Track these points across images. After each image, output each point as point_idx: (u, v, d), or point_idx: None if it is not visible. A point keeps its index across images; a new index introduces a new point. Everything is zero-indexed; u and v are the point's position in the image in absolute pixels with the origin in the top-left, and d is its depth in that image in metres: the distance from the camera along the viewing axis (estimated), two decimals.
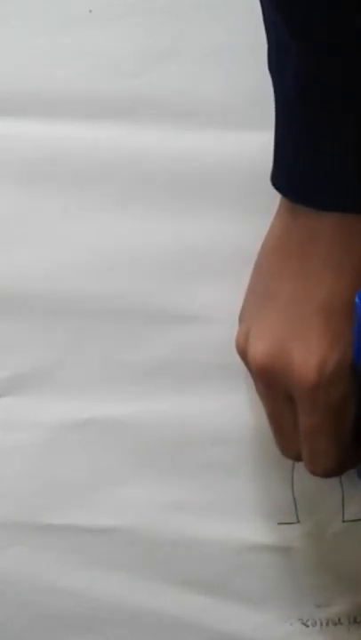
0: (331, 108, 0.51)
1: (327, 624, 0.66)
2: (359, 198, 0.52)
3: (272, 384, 0.57)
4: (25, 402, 0.65)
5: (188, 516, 0.65)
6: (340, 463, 0.58)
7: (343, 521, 0.65)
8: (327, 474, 0.58)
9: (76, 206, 0.63)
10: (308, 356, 0.54)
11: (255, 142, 0.58)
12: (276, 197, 0.55)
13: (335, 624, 0.66)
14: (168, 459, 0.64)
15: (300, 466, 0.63)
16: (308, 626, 0.66)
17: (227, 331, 0.63)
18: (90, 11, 0.61)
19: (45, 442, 0.65)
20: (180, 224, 0.62)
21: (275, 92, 0.54)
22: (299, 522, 0.65)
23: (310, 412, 0.55)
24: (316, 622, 0.66)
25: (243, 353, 0.58)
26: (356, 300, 0.50)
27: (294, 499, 0.65)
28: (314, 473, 0.58)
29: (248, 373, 0.59)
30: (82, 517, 0.65)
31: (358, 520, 0.65)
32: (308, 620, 0.66)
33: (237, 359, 0.60)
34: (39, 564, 0.66)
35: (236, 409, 0.64)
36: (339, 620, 0.66)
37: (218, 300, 0.63)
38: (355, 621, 0.66)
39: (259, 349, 0.56)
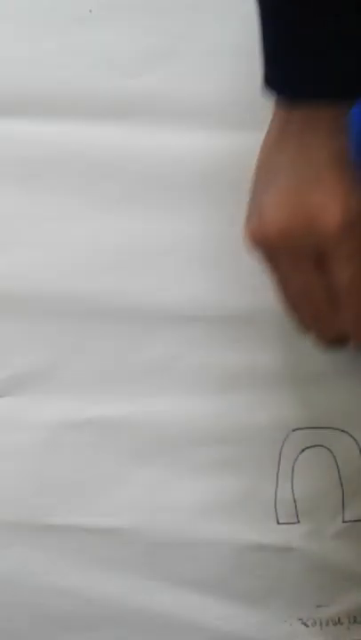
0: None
1: (327, 624, 0.66)
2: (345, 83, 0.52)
3: (298, 250, 0.55)
4: (25, 402, 0.65)
5: (188, 516, 0.65)
6: None
7: (343, 521, 0.65)
8: None
9: (76, 206, 0.63)
10: (329, 205, 0.53)
11: (254, 142, 0.58)
12: None
13: (335, 624, 0.66)
14: (168, 459, 0.64)
15: (300, 466, 0.63)
16: (308, 626, 0.66)
17: (227, 331, 0.63)
18: (90, 11, 0.61)
19: (45, 442, 0.65)
20: (180, 224, 0.62)
21: None
22: (299, 522, 0.65)
23: (346, 263, 0.54)
24: (316, 622, 0.66)
25: (258, 235, 0.57)
26: (353, 111, 0.50)
27: (294, 499, 0.65)
28: None
29: (249, 371, 0.59)
30: (82, 517, 0.65)
31: (358, 520, 0.65)
32: (308, 620, 0.66)
33: (237, 359, 0.60)
34: (39, 564, 0.66)
35: (236, 409, 0.64)
36: (339, 619, 0.66)
37: (218, 299, 0.63)
38: (355, 621, 0.66)
39: (277, 217, 0.55)
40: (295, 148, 0.54)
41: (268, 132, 0.56)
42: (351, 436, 0.64)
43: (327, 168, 0.54)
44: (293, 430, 0.64)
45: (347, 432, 0.64)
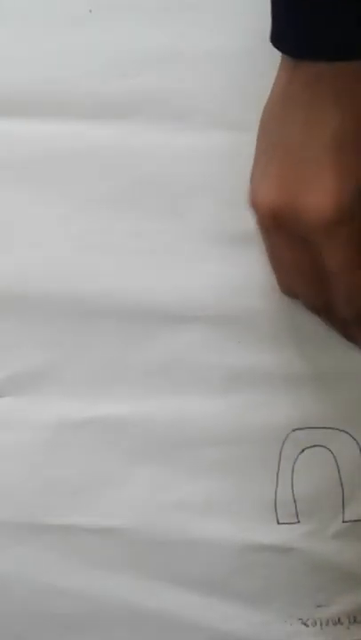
0: None
1: (327, 624, 0.66)
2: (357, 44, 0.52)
3: (286, 230, 0.55)
4: (25, 402, 0.65)
5: (188, 515, 0.65)
6: None
7: (343, 521, 0.65)
8: None
9: (76, 206, 0.63)
10: (323, 195, 0.53)
11: (254, 143, 0.58)
12: None
13: (335, 624, 0.66)
14: (168, 459, 0.64)
15: (300, 466, 0.63)
16: (308, 626, 0.66)
17: (227, 331, 0.63)
18: (90, 11, 0.61)
19: (45, 442, 0.65)
20: (180, 223, 0.62)
21: None
22: (299, 522, 0.65)
23: (336, 250, 0.54)
24: (316, 622, 0.66)
25: (253, 204, 0.57)
26: None
27: (294, 499, 0.65)
28: (353, 314, 0.57)
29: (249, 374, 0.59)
30: (82, 517, 0.65)
31: (358, 520, 0.65)
32: (308, 620, 0.66)
33: (237, 359, 0.60)
34: (39, 565, 0.66)
35: (235, 409, 0.64)
36: (339, 619, 0.66)
37: (218, 299, 0.63)
38: (355, 621, 0.66)
39: (267, 196, 0.55)
40: (299, 116, 0.54)
41: (277, 87, 0.56)
42: (351, 435, 0.64)
43: (325, 152, 0.53)
44: (293, 430, 0.64)
45: (347, 432, 0.64)
